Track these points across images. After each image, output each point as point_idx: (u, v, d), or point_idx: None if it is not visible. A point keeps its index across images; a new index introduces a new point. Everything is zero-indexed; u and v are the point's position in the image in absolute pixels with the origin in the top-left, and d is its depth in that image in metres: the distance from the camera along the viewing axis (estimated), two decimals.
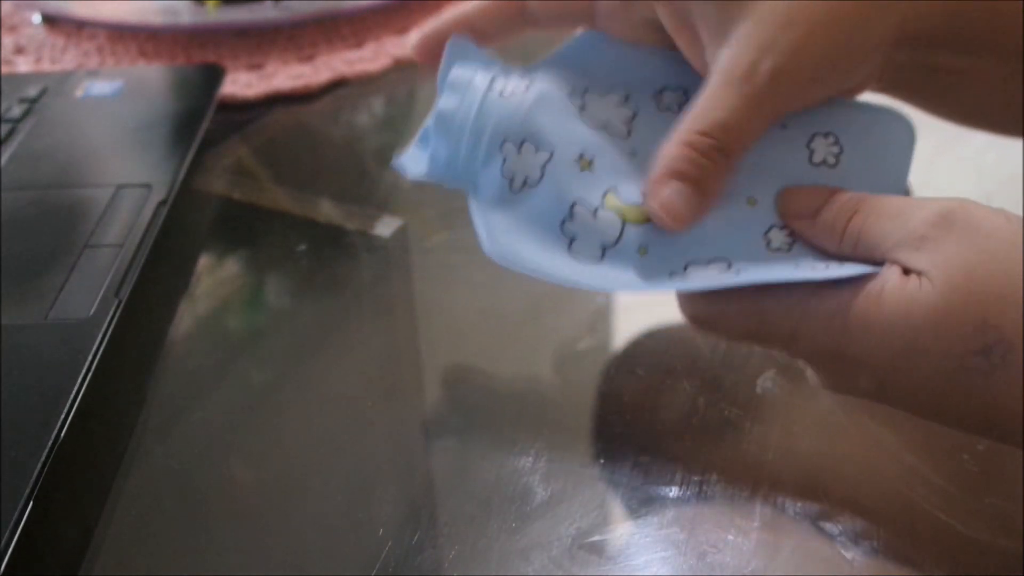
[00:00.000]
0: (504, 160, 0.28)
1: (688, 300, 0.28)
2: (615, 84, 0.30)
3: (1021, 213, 0.25)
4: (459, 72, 0.29)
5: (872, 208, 0.26)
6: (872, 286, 0.24)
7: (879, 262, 0.25)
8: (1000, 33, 0.27)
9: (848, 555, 0.26)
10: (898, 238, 0.24)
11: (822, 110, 0.28)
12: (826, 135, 0.28)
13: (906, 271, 0.24)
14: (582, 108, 0.29)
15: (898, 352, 0.24)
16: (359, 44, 0.54)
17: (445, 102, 0.29)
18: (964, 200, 0.24)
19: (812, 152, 0.28)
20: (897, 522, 0.27)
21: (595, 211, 0.27)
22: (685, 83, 0.30)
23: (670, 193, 0.26)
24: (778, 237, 0.27)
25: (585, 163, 0.28)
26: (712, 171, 0.26)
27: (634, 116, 0.29)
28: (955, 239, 0.23)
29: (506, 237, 0.28)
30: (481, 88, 0.28)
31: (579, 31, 0.31)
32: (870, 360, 0.24)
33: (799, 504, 0.27)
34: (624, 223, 0.27)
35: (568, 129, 0.28)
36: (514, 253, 0.27)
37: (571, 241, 0.28)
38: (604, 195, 0.28)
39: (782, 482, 0.28)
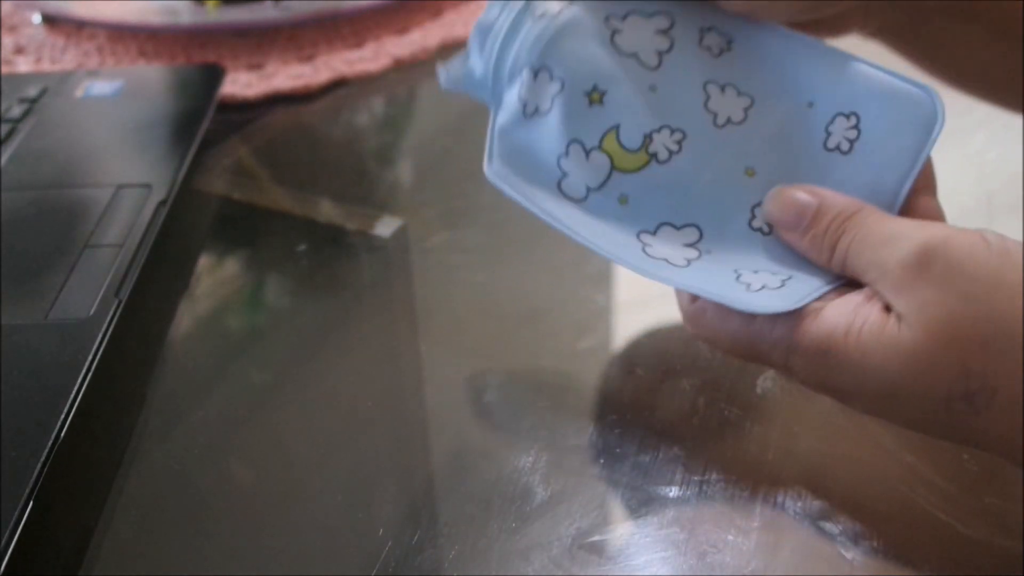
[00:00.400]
0: (521, 84, 0.28)
1: (688, 317, 0.28)
2: (663, 9, 0.29)
3: (1021, 213, 0.25)
4: None
5: (857, 233, 0.25)
6: (852, 324, 0.24)
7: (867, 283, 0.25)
8: (988, 7, 0.27)
9: (848, 555, 0.26)
10: (878, 274, 0.24)
11: (854, 82, 0.28)
12: (848, 116, 0.28)
13: (887, 306, 0.24)
14: (616, 32, 0.29)
15: (882, 394, 0.24)
16: (359, 44, 0.54)
17: (486, 14, 0.29)
18: (947, 234, 0.23)
19: (828, 136, 0.28)
20: (897, 522, 0.27)
21: (589, 151, 0.28)
22: (732, 31, 0.29)
23: None
24: (762, 215, 0.28)
25: (596, 97, 0.28)
26: None
27: (670, 48, 0.29)
28: (934, 285, 0.23)
29: (505, 160, 0.28)
30: (518, 4, 0.28)
31: None
32: (856, 397, 0.25)
33: (799, 504, 0.27)
34: (612, 169, 0.28)
35: (588, 58, 0.28)
36: (506, 176, 0.28)
37: (562, 176, 0.28)
38: (605, 134, 0.28)
39: (782, 482, 0.27)
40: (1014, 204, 0.38)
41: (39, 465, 0.25)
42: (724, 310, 0.26)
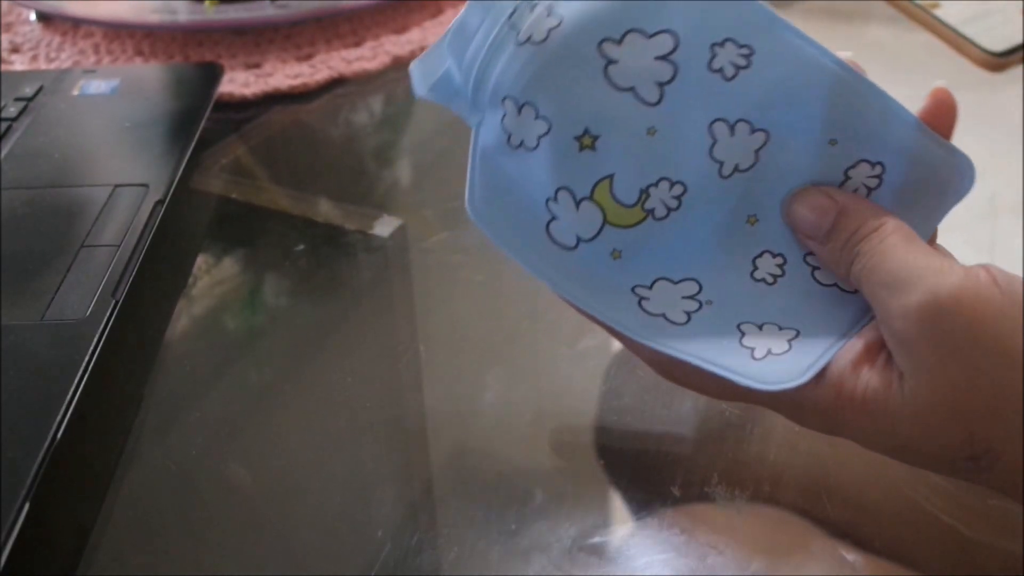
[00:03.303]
0: (504, 115, 0.25)
1: (663, 368, 0.26)
2: (669, 21, 0.24)
3: (1021, 213, 0.24)
4: None
5: (869, 262, 0.24)
6: (856, 389, 0.23)
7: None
8: None
9: (849, 557, 0.25)
10: (883, 317, 0.23)
11: (887, 129, 0.25)
12: (874, 164, 0.25)
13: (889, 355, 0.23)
14: (611, 63, 0.24)
15: (891, 449, 0.24)
16: (358, 43, 0.54)
17: (465, 16, 0.25)
18: (956, 286, 0.22)
19: (847, 180, 0.26)
20: (899, 523, 0.26)
21: (580, 201, 0.25)
22: (754, 39, 0.25)
23: None
24: (767, 265, 0.26)
25: (587, 141, 0.25)
26: None
27: (673, 77, 0.25)
28: (940, 351, 0.22)
29: (489, 194, 0.25)
30: (502, 16, 0.25)
31: None
32: (867, 446, 0.25)
33: (799, 504, 0.27)
34: (605, 223, 0.26)
35: (579, 97, 0.24)
36: (489, 219, 0.25)
37: (551, 219, 0.26)
38: (597, 184, 0.25)
39: (783, 483, 0.27)
40: (1014, 204, 0.38)
41: (36, 466, 0.25)
42: None
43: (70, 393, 0.27)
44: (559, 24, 0.24)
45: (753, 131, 0.25)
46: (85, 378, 0.28)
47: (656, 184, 0.25)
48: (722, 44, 0.25)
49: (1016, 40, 0.48)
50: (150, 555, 0.26)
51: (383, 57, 0.53)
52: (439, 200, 0.42)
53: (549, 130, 0.25)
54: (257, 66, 0.52)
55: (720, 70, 0.25)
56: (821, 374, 0.24)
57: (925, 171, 0.25)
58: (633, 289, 0.26)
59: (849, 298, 0.26)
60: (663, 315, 0.26)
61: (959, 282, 0.22)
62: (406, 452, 0.30)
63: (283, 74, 0.51)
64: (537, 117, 0.25)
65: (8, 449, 0.25)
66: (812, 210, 0.25)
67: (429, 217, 0.41)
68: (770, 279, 0.26)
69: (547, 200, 0.26)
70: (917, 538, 0.26)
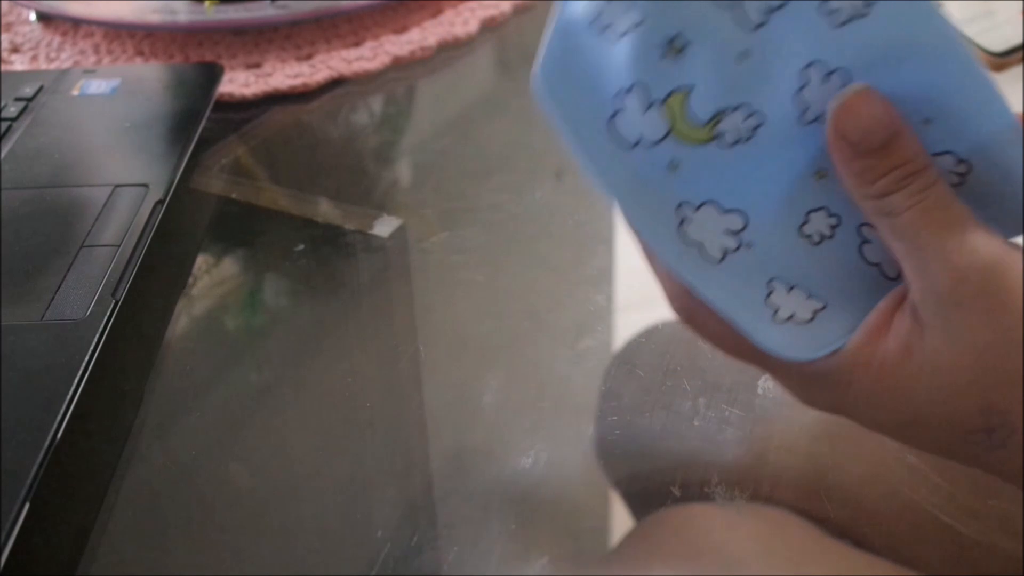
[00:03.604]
0: None
1: (683, 310, 0.26)
2: None
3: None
4: None
5: (926, 201, 0.22)
6: (874, 355, 0.23)
7: (893, 275, 0.24)
8: None
9: (849, 555, 0.25)
10: (926, 265, 0.22)
11: (987, 129, 0.23)
12: (960, 160, 0.24)
13: (910, 316, 0.23)
14: None
15: (901, 423, 0.23)
16: (357, 43, 0.54)
17: None
18: (1008, 257, 0.21)
19: (934, 162, 0.24)
20: (898, 523, 0.26)
21: (649, 105, 0.24)
22: None
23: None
24: (819, 223, 0.25)
25: (674, 50, 0.23)
26: None
27: (783, 4, 0.23)
28: (976, 312, 0.21)
29: (560, 67, 0.24)
30: None
31: None
32: (873, 424, 0.24)
33: (799, 504, 0.27)
34: (670, 132, 0.24)
35: None
36: (555, 93, 0.24)
37: (618, 111, 0.24)
38: (673, 92, 0.24)
39: (782, 482, 0.27)
40: None
41: (36, 466, 0.25)
42: None
43: (70, 393, 0.27)
44: None
45: (845, 85, 0.24)
46: (85, 378, 0.28)
47: (735, 109, 0.24)
48: None
49: (1016, 40, 0.48)
50: (150, 555, 0.26)
51: (383, 57, 0.53)
52: (439, 200, 0.42)
53: (642, 21, 0.23)
54: (257, 66, 0.52)
55: (835, 12, 0.23)
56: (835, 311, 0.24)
57: (1006, 193, 0.24)
58: (679, 206, 0.25)
59: (887, 285, 0.25)
60: (700, 245, 0.25)
61: (1002, 249, 0.22)
62: (406, 452, 0.30)
63: (283, 74, 0.51)
64: (630, 9, 0.23)
65: (8, 449, 0.25)
66: (869, 117, 0.23)
67: (429, 217, 0.41)
68: (817, 237, 0.25)
69: (619, 91, 0.24)
70: (917, 538, 0.26)
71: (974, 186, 0.24)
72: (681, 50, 0.23)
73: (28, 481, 0.24)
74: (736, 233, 0.25)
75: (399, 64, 0.53)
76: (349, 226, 0.40)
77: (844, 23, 0.23)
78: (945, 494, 0.27)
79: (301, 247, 0.39)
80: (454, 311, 0.36)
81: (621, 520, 0.27)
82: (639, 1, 0.23)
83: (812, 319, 0.24)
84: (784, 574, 0.25)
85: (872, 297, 0.25)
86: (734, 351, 0.26)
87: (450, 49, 0.54)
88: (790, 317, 0.24)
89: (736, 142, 0.24)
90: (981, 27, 0.49)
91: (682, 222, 0.25)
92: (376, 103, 0.51)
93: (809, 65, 0.24)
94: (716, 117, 0.24)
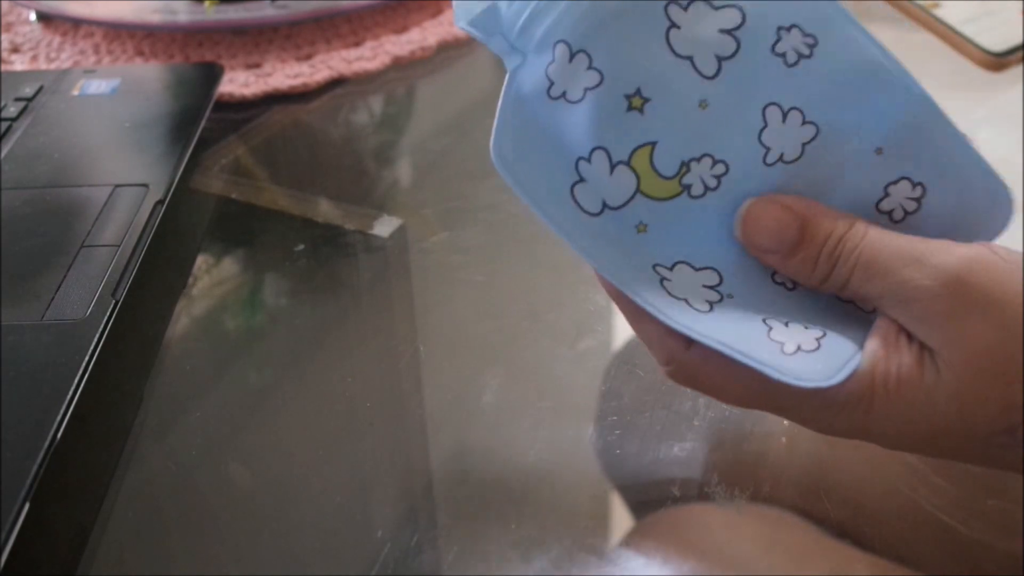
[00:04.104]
0: (553, 61, 0.24)
1: (681, 366, 0.25)
2: None
3: (1022, 213, 0.24)
4: None
5: (862, 255, 0.23)
6: (888, 375, 0.22)
7: (869, 309, 0.24)
8: None
9: (849, 555, 0.25)
10: (899, 301, 0.22)
11: (937, 151, 0.24)
12: (915, 184, 0.25)
13: (909, 336, 0.23)
14: (674, 27, 0.24)
15: (922, 438, 0.23)
16: (357, 43, 0.54)
17: None
18: (973, 259, 0.22)
19: (885, 196, 0.25)
20: (898, 523, 0.26)
21: (615, 165, 0.24)
22: (819, 30, 0.24)
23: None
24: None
25: (637, 103, 0.24)
26: None
27: (735, 52, 0.24)
28: (971, 316, 0.21)
29: (517, 140, 0.24)
30: None
31: None
32: (898, 441, 0.24)
33: (799, 504, 0.27)
34: (637, 191, 0.24)
35: (638, 55, 0.24)
36: (513, 165, 0.24)
37: (578, 181, 0.24)
38: (637, 149, 0.24)
39: (782, 482, 0.27)
40: (1014, 204, 0.38)
41: (36, 466, 0.25)
42: (730, 361, 0.23)
43: (70, 393, 0.27)
44: None
45: (804, 123, 0.25)
46: (85, 378, 0.28)
47: (699, 159, 0.25)
48: (788, 29, 0.24)
49: (1016, 40, 0.48)
50: (150, 555, 0.26)
51: (383, 57, 0.53)
52: (439, 200, 0.42)
53: (600, 83, 0.24)
54: (257, 66, 0.52)
55: (783, 55, 0.24)
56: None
57: (965, 202, 0.25)
58: (654, 267, 0.25)
59: (871, 316, 0.25)
60: (686, 300, 0.25)
61: (965, 253, 0.22)
62: (406, 451, 0.30)
63: (283, 74, 0.51)
64: (589, 67, 0.24)
65: (8, 449, 0.25)
66: (773, 222, 0.24)
67: (429, 217, 0.41)
68: (790, 284, 0.25)
69: (578, 160, 0.24)
70: (917, 538, 0.26)
71: (933, 206, 0.24)
72: (641, 106, 0.24)
73: (28, 481, 0.24)
74: (714, 287, 0.25)
75: (399, 64, 0.53)
76: (349, 226, 0.40)
77: (792, 65, 0.24)
78: (945, 494, 0.27)
79: (301, 247, 0.39)
80: (454, 311, 0.36)
81: (621, 520, 0.27)
82: (595, 61, 0.24)
83: (818, 347, 0.24)
84: (784, 574, 0.25)
85: (861, 325, 0.24)
86: (742, 399, 0.25)
87: (450, 49, 0.54)
88: (797, 348, 0.23)
89: (704, 192, 0.25)
90: (981, 27, 0.49)
91: (662, 281, 0.25)
92: (376, 103, 0.51)
93: (767, 106, 0.24)
94: (682, 169, 0.25)
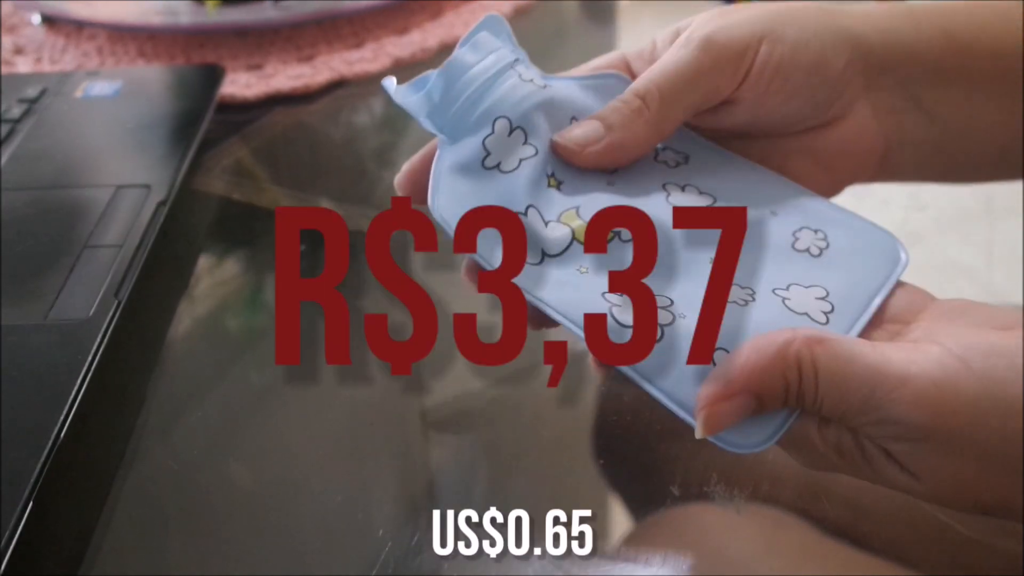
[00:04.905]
0: (491, 133, 0.27)
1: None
2: None
3: (1021, 213, 0.24)
4: (489, 38, 0.29)
5: (826, 378, 0.22)
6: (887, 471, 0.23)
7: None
8: (966, 57, 0.27)
9: (849, 555, 0.25)
10: (868, 420, 0.22)
11: (817, 208, 0.28)
12: (816, 231, 0.27)
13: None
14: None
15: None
16: (359, 44, 0.54)
17: (464, 54, 0.28)
18: (941, 382, 0.21)
19: (796, 239, 0.27)
20: (898, 522, 0.26)
21: (548, 222, 0.27)
22: (688, 150, 0.30)
23: (580, 131, 0.28)
24: (734, 293, 0.25)
25: (553, 183, 0.28)
26: (627, 114, 0.28)
27: None
28: (936, 452, 0.21)
29: (455, 204, 0.27)
30: (505, 59, 0.28)
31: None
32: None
33: (799, 504, 0.27)
34: (573, 240, 0.26)
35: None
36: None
37: None
38: (564, 212, 0.27)
39: (782, 483, 0.27)
40: (1014, 205, 0.38)
41: (39, 466, 0.25)
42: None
43: (73, 393, 0.27)
44: (550, 84, 0.29)
45: (701, 194, 0.28)
46: (88, 378, 0.28)
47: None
48: (664, 148, 0.30)
49: None
50: (152, 555, 0.27)
51: (384, 59, 0.53)
52: None
53: (536, 154, 0.27)
54: (259, 67, 0.52)
55: (665, 162, 0.29)
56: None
57: (859, 237, 0.27)
58: (603, 295, 0.25)
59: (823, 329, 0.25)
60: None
61: (931, 361, 0.21)
62: (406, 451, 0.30)
63: (284, 75, 0.51)
64: (526, 143, 0.27)
65: (11, 449, 0.25)
66: (731, 408, 0.23)
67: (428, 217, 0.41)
68: (741, 302, 0.25)
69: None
70: (917, 538, 0.26)
71: (837, 250, 0.27)
72: (558, 186, 0.28)
73: (31, 481, 0.24)
74: (667, 308, 0.25)
75: (400, 65, 0.53)
76: (350, 227, 0.40)
77: (675, 167, 0.29)
78: None
79: (302, 248, 0.39)
80: (454, 310, 0.36)
81: (621, 520, 0.27)
82: (530, 137, 0.27)
83: None
84: (784, 574, 0.25)
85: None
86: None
87: (451, 50, 0.54)
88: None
89: (632, 238, 0.27)
90: None
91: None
92: (377, 104, 0.51)
93: (665, 184, 0.28)
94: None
